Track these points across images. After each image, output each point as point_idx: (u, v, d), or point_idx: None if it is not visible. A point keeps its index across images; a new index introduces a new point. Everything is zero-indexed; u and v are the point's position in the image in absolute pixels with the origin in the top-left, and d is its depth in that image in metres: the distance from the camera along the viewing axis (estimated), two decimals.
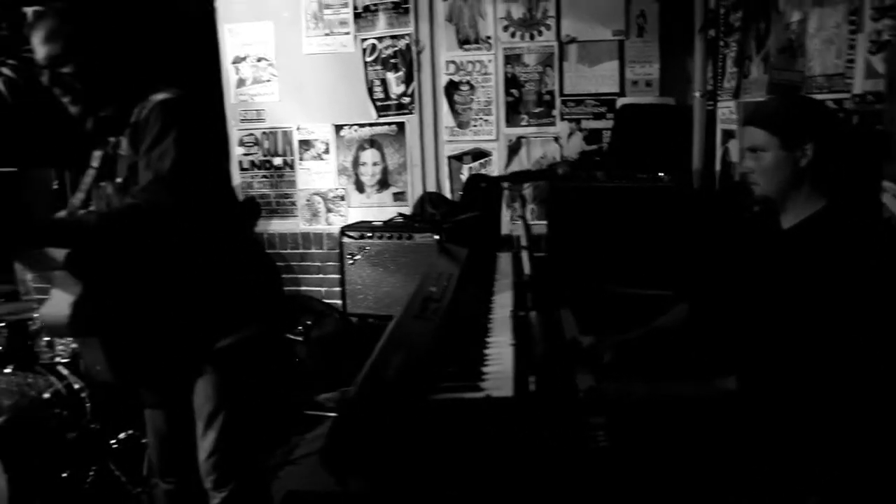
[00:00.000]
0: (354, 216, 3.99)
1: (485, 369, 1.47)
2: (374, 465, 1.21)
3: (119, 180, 1.76)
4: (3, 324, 3.06)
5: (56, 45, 1.70)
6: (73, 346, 2.86)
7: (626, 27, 3.66)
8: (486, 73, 3.85)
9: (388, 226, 3.35)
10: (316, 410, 3.70)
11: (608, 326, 2.14)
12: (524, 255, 1.64)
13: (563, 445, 1.34)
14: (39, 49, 1.72)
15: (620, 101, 3.68)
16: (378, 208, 3.98)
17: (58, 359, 2.89)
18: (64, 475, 2.81)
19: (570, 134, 3.79)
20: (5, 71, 4.47)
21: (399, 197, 4.01)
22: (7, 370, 2.87)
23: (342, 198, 4.08)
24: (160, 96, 1.73)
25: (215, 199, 1.81)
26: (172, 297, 1.78)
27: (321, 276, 4.10)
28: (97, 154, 1.83)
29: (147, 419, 2.06)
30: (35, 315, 3.00)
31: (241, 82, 4.09)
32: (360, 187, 4.07)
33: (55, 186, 4.40)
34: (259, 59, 4.04)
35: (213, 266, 1.82)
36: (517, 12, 3.74)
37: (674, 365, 1.96)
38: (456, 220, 2.84)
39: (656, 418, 1.67)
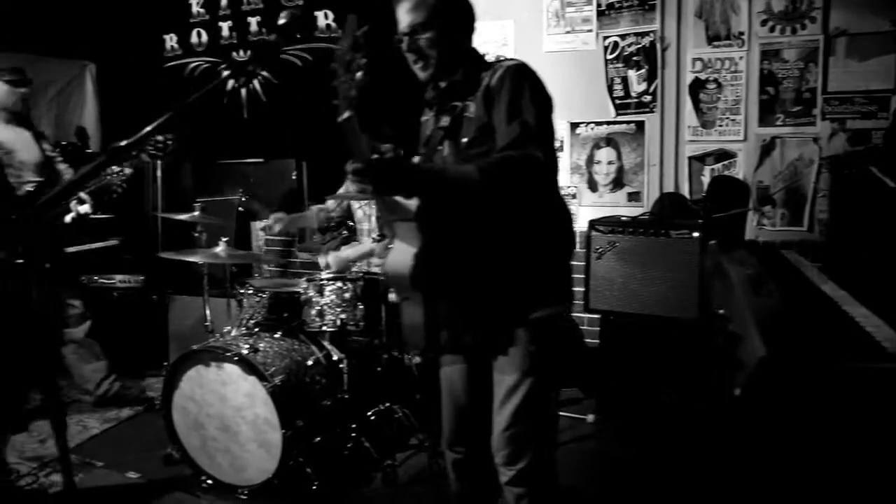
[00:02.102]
0: (585, 215, 3.91)
1: (885, 345, 1.32)
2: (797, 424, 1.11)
3: (465, 140, 1.81)
4: (264, 294, 3.31)
5: (420, 13, 1.82)
6: (342, 317, 2.99)
7: None
8: (735, 71, 3.65)
9: (642, 221, 3.24)
10: None
11: None
12: None
13: None
14: (404, 17, 1.84)
15: None
16: (611, 208, 3.88)
17: (324, 328, 3.03)
18: (317, 440, 2.95)
19: (832, 134, 3.48)
20: (264, 73, 4.91)
21: (633, 197, 3.90)
22: (276, 335, 3.08)
23: (574, 196, 4.03)
24: (508, 62, 1.82)
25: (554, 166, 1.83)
26: (502, 259, 1.77)
27: None
28: (445, 118, 1.88)
29: (443, 385, 2.05)
30: (300, 288, 3.19)
31: None
32: (592, 186, 4.00)
33: (294, 176, 4.75)
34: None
35: (544, 234, 1.82)
36: (778, 5, 3.51)
37: None
38: (728, 214, 2.68)
39: None
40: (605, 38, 3.88)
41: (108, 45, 5.09)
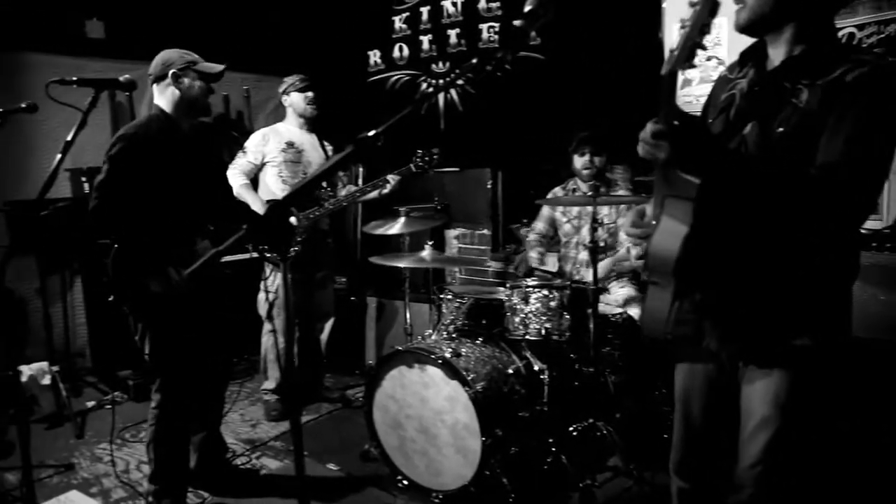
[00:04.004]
0: None
1: None
2: None
3: (780, 130, 1.51)
4: (464, 300, 3.30)
5: None
6: (547, 326, 2.89)
7: None
8: None
9: (885, 236, 2.81)
10: None
11: None
12: None
13: None
14: None
15: None
16: None
17: (527, 337, 2.95)
18: (513, 450, 2.86)
19: None
20: (461, 83, 4.99)
21: None
22: (477, 341, 3.05)
23: None
24: (883, 62, 1.45)
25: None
26: (777, 267, 1.54)
27: None
28: (761, 95, 1.59)
29: (677, 404, 1.85)
30: (504, 295, 3.15)
31: (686, 82, 3.92)
32: None
33: (489, 185, 4.75)
34: (708, 59, 3.83)
35: (827, 255, 1.55)
36: None
37: None
38: None
39: None
40: (838, 29, 3.46)
41: (319, 62, 5.45)
